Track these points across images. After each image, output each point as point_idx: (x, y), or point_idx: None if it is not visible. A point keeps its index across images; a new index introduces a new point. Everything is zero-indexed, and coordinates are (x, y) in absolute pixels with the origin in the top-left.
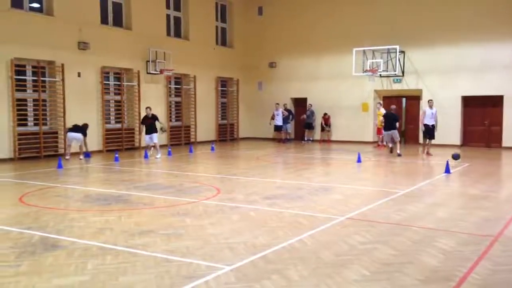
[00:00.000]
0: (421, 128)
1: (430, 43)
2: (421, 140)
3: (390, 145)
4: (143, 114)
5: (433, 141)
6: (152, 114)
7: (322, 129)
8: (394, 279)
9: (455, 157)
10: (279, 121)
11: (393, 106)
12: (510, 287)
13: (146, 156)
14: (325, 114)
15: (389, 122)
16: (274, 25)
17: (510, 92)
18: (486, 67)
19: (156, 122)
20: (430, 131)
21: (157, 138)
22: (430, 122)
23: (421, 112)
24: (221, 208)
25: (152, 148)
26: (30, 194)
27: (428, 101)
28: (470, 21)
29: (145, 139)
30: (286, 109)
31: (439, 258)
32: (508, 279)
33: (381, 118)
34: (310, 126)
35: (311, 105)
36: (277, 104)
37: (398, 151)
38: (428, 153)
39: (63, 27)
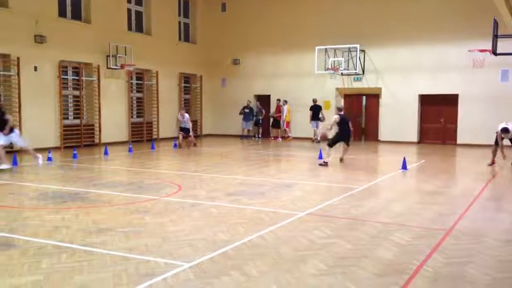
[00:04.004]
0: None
1: (389, 42)
2: (382, 137)
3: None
4: (103, 109)
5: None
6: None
7: (276, 125)
8: (350, 272)
9: None
10: (184, 124)
11: (315, 98)
12: (459, 279)
13: (106, 153)
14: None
15: (316, 113)
16: (237, 21)
17: (465, 91)
18: (443, 66)
19: None
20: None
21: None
22: None
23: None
24: (182, 205)
25: None
26: None
27: None
28: (428, 21)
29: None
30: (247, 106)
31: (394, 252)
32: (458, 272)
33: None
34: (258, 123)
35: (258, 103)
36: (182, 109)
37: (318, 138)
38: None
39: (18, 19)
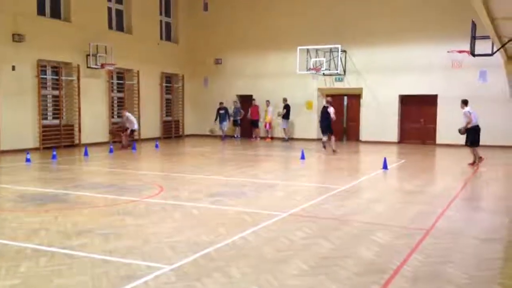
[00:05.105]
0: (462, 131)
1: (370, 43)
2: (363, 137)
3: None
4: (83, 110)
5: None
6: None
7: (254, 125)
8: (332, 272)
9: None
10: (127, 125)
11: (285, 97)
12: (439, 278)
13: (86, 154)
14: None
15: (288, 112)
16: (219, 21)
17: (444, 92)
18: (423, 67)
19: None
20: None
21: None
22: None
23: (467, 112)
24: (163, 207)
25: None
26: None
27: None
28: (408, 23)
29: None
30: (221, 107)
31: (375, 252)
32: (437, 271)
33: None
34: (236, 123)
35: (236, 102)
36: (124, 109)
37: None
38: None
39: None
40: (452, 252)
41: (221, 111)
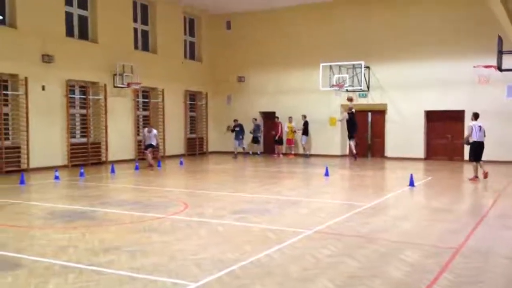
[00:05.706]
0: (464, 142)
1: (394, 59)
2: (389, 153)
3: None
4: (110, 128)
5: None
6: None
7: (278, 142)
8: None
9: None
10: (152, 141)
11: (304, 114)
12: None
13: (113, 171)
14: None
15: (306, 128)
16: (242, 39)
17: (471, 107)
18: (449, 82)
19: None
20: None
21: None
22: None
23: (469, 126)
24: (188, 224)
25: None
26: None
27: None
28: (433, 38)
29: None
30: (237, 124)
31: (403, 271)
32: None
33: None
34: (256, 140)
35: (256, 119)
36: (148, 125)
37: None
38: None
39: (26, 39)
40: (482, 271)
41: (236, 128)
